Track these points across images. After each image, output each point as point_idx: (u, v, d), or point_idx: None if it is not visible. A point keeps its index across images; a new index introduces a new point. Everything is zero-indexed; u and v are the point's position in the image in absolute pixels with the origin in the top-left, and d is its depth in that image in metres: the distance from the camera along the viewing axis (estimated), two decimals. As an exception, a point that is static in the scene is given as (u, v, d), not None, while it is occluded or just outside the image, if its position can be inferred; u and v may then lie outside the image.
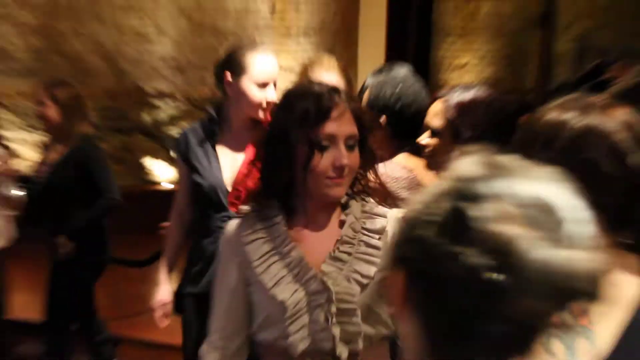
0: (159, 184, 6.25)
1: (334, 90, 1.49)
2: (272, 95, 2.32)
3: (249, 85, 2.30)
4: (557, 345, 1.12)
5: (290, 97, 1.46)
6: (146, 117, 6.27)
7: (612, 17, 6.11)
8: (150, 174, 6.25)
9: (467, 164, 0.70)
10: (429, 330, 0.72)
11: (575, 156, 1.15)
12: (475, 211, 0.65)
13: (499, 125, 1.97)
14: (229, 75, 2.32)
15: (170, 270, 2.66)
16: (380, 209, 1.55)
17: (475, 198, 0.65)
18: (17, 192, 3.30)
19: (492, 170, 0.68)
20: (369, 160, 1.54)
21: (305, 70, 2.54)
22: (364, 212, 1.53)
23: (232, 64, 2.34)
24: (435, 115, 1.97)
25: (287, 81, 4.39)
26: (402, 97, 2.18)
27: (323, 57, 2.66)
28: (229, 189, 2.40)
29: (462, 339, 0.68)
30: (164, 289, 2.64)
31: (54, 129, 2.99)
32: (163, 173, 6.26)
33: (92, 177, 3.02)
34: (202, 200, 2.47)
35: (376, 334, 1.47)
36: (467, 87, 2.05)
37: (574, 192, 0.67)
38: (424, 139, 1.97)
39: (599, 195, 0.98)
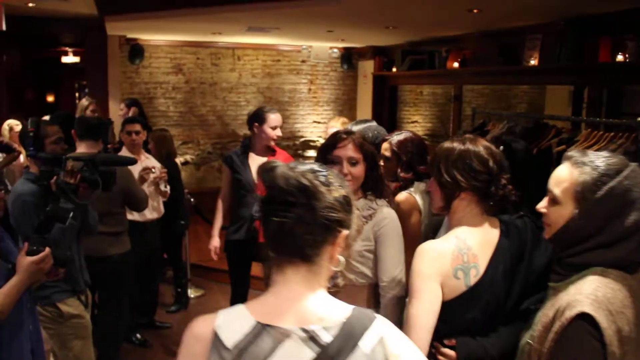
0: None
1: (346, 132, 2.28)
2: (278, 133, 3.69)
3: (266, 128, 3.68)
4: (460, 273, 1.75)
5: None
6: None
7: (488, 99, 8.83)
8: None
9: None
10: (270, 239, 1.20)
11: (462, 163, 1.80)
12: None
13: (419, 152, 2.81)
14: (255, 124, 3.71)
15: (218, 230, 3.89)
16: (374, 204, 2.25)
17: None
18: (167, 188, 4.44)
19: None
20: (375, 173, 2.28)
21: (327, 123, 4.00)
22: (365, 205, 2.22)
23: (257, 117, 3.74)
24: (385, 149, 2.79)
25: (316, 128, 7.23)
26: (378, 136, 3.12)
27: (333, 118, 4.06)
28: (257, 181, 2.83)
29: (272, 239, 1.20)
30: (216, 239, 3.89)
31: None
32: None
33: None
34: (241, 188, 3.72)
35: (355, 279, 2.17)
36: (399, 132, 2.91)
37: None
38: (380, 162, 2.53)
39: (474, 182, 1.78)
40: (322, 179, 1.19)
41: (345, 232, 1.21)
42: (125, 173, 3.54)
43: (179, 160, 8.10)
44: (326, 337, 1.12)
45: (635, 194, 1.46)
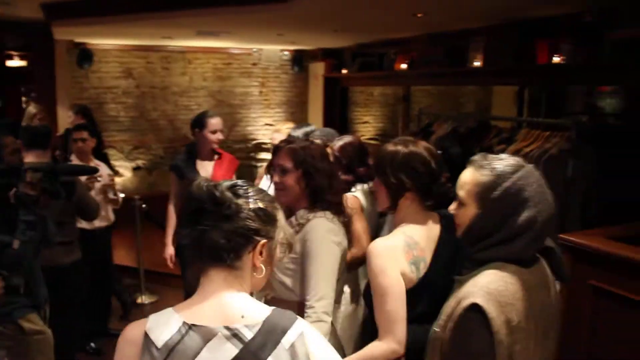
0: None
1: (285, 141, 2.30)
2: (219, 137, 3.76)
3: (207, 133, 3.76)
4: (412, 267, 1.86)
5: None
6: None
7: (436, 99, 8.99)
8: None
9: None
10: (193, 252, 1.30)
11: (407, 165, 1.92)
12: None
13: (359, 155, 2.98)
14: (196, 129, 3.84)
15: (172, 237, 3.94)
16: (309, 215, 2.18)
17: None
18: (117, 196, 4.49)
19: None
20: (312, 182, 2.19)
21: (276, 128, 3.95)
22: (301, 215, 2.20)
23: (197, 122, 3.85)
24: (329, 154, 2.65)
25: (268, 130, 7.28)
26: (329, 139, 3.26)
27: (280, 125, 3.96)
28: None
29: (201, 253, 1.28)
30: (170, 247, 4.01)
31: None
32: None
33: None
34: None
35: (280, 290, 2.16)
36: (340, 137, 3.07)
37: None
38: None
39: (418, 182, 1.90)
40: (240, 191, 1.32)
41: (264, 241, 1.32)
42: (77, 182, 3.49)
43: (130, 165, 8.17)
44: (248, 334, 1.21)
45: (527, 193, 1.57)
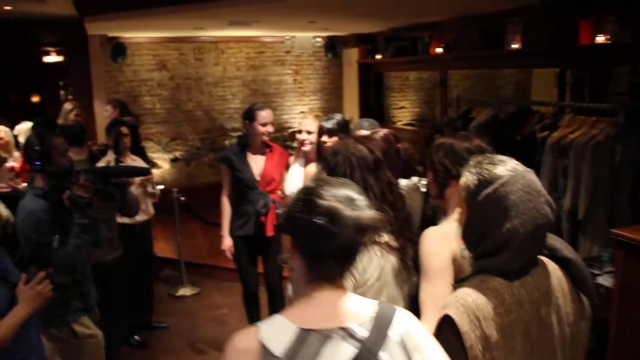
0: None
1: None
2: (269, 129, 3.78)
3: (257, 125, 3.78)
4: (465, 252, 1.77)
5: None
6: (227, 142, 8.43)
7: (474, 82, 8.89)
8: None
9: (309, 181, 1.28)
10: (305, 262, 1.27)
11: (451, 152, 1.98)
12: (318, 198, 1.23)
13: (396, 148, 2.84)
14: (246, 121, 3.84)
15: (228, 228, 3.90)
16: None
17: (316, 195, 1.25)
18: (155, 189, 4.48)
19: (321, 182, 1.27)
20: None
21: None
22: None
23: (247, 115, 3.85)
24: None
25: (304, 119, 7.11)
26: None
27: (309, 114, 3.89)
28: (258, 178, 3.78)
29: (319, 260, 1.25)
30: (228, 238, 3.90)
31: None
32: None
33: None
34: (243, 186, 3.81)
35: None
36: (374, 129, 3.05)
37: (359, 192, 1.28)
38: None
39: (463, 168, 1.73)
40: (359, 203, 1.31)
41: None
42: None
43: (167, 157, 8.24)
44: (363, 332, 1.23)
45: (510, 201, 1.46)
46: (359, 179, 1.90)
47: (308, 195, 1.28)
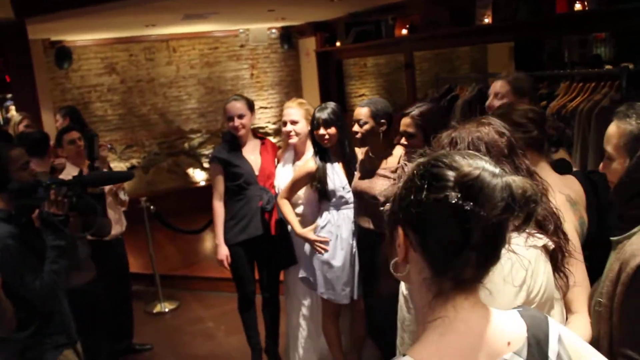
0: (197, 183, 8.19)
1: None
2: (241, 122, 3.45)
3: (227, 120, 3.53)
4: (579, 228, 1.75)
5: None
6: (185, 145, 8.21)
7: (433, 63, 8.84)
8: (192, 178, 8.22)
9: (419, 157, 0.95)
10: (430, 261, 0.89)
11: (508, 122, 1.68)
12: (446, 171, 0.89)
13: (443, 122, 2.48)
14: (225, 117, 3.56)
15: (223, 235, 3.53)
16: None
17: (442, 166, 0.90)
18: (126, 197, 4.15)
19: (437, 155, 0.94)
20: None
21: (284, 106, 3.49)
22: None
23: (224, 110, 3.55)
24: (408, 125, 2.64)
25: (264, 114, 7.01)
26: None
27: (291, 101, 3.51)
28: (256, 173, 3.49)
29: (455, 255, 0.86)
30: (224, 247, 3.54)
31: None
32: (198, 176, 8.25)
33: None
34: (241, 182, 3.48)
35: None
36: (417, 104, 2.71)
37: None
38: (404, 141, 2.65)
39: (524, 135, 1.77)
40: None
41: None
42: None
43: (124, 165, 7.77)
44: None
45: None
46: None
47: (429, 167, 0.92)
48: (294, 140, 3.39)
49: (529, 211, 0.90)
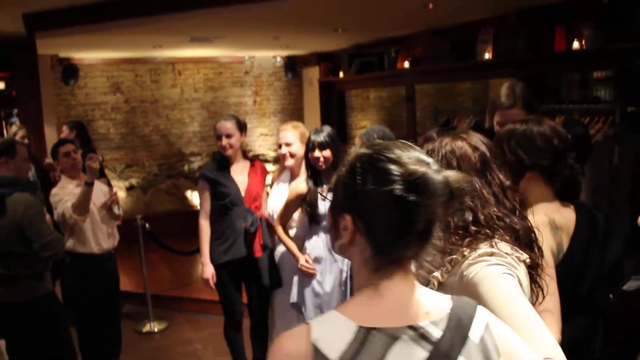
0: (195, 206, 7.99)
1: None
2: (224, 142, 3.46)
3: (216, 138, 3.54)
4: (555, 249, 1.67)
5: None
6: (185, 167, 8.21)
7: (434, 98, 8.69)
8: (190, 201, 8.24)
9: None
10: (374, 244, 1.00)
11: (525, 141, 1.77)
12: (390, 164, 0.98)
13: None
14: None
15: (209, 254, 3.52)
16: None
17: (385, 160, 0.99)
18: (120, 211, 4.03)
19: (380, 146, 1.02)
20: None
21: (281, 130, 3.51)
22: None
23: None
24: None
25: (265, 141, 7.05)
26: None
27: (286, 124, 3.60)
28: (242, 194, 3.48)
29: (398, 240, 0.98)
30: (210, 266, 3.52)
31: None
32: (196, 199, 7.74)
33: None
34: (227, 203, 3.47)
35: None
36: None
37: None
38: None
39: (539, 159, 1.73)
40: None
41: None
42: (26, 201, 3.07)
43: (123, 184, 7.80)
44: (436, 333, 1.01)
45: None
46: None
47: (372, 161, 1.02)
48: (289, 162, 3.42)
49: (462, 201, 1.03)
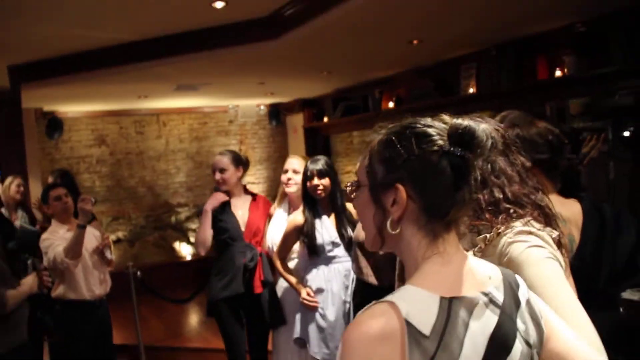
0: (183, 257, 8.13)
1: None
2: (217, 177, 3.50)
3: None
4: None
5: None
6: (173, 219, 8.17)
7: None
8: (178, 252, 8.16)
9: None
10: (428, 209, 0.99)
11: (530, 143, 1.78)
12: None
13: None
14: None
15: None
16: None
17: (421, 126, 1.02)
18: (112, 256, 3.97)
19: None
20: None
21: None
22: None
23: None
24: None
25: (252, 189, 6.83)
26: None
27: (294, 155, 3.66)
28: (242, 229, 3.47)
29: (449, 198, 0.98)
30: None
31: None
32: (185, 251, 8.20)
33: None
34: (227, 237, 3.47)
35: None
36: None
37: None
38: None
39: (536, 155, 1.74)
40: None
41: None
42: None
43: (111, 237, 7.64)
44: (500, 297, 1.03)
45: None
46: (484, 163, 1.38)
47: (409, 129, 1.04)
48: (292, 189, 3.39)
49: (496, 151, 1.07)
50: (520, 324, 1.02)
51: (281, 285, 3.46)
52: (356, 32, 4.35)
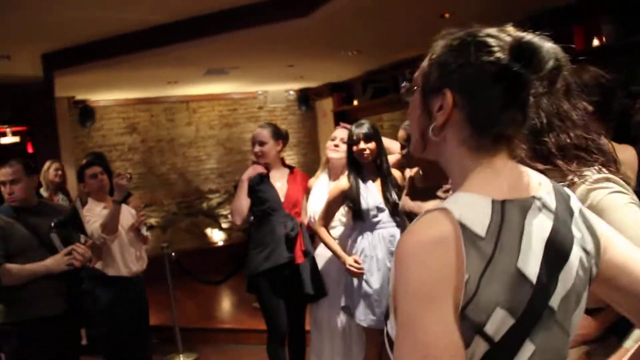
0: (215, 243, 8.19)
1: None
2: (257, 149, 3.50)
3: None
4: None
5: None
6: (204, 205, 8.23)
7: None
8: (210, 238, 8.24)
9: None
10: (474, 120, 0.95)
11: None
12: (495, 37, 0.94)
13: None
14: None
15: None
16: None
17: (484, 36, 0.95)
18: (148, 233, 4.02)
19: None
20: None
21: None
22: None
23: None
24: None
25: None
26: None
27: (340, 127, 3.55)
28: (282, 200, 3.46)
29: (500, 114, 0.93)
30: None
31: None
32: (216, 237, 8.27)
33: None
34: (266, 208, 3.46)
35: None
36: None
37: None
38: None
39: (589, 97, 1.56)
40: None
41: None
42: None
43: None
44: (552, 202, 0.98)
45: None
46: (549, 105, 1.33)
47: (471, 36, 0.96)
48: (336, 154, 3.37)
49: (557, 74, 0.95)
50: (576, 232, 0.98)
51: (320, 255, 3.43)
52: (386, 5, 4.27)
